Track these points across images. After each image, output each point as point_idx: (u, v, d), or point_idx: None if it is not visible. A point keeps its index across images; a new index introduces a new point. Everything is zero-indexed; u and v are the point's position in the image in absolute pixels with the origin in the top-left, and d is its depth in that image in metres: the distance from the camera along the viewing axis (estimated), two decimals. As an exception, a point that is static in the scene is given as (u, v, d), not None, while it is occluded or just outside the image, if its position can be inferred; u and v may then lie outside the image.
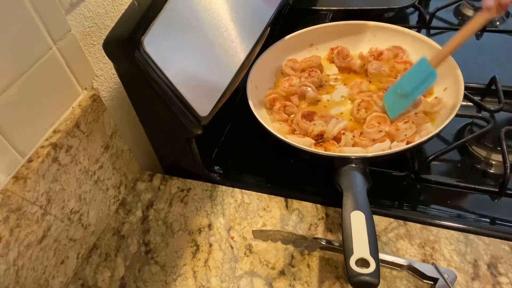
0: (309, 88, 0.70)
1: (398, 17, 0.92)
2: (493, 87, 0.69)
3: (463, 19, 0.90)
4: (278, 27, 0.83)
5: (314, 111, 0.66)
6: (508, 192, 0.57)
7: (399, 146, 0.58)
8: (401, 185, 0.62)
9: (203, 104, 0.55)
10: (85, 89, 0.56)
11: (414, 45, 0.72)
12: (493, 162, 0.62)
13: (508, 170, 0.56)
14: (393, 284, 0.50)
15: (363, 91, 0.69)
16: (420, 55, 0.72)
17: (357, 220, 0.47)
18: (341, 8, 0.88)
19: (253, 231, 0.56)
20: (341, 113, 0.68)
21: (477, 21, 0.56)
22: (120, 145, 0.62)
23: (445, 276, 0.48)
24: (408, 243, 0.53)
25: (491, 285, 0.48)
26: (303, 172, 0.65)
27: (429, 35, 0.86)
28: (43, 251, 0.50)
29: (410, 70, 0.63)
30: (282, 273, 0.53)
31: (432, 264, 0.50)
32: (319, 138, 0.62)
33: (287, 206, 0.60)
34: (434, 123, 0.63)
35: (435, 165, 0.63)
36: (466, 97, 0.65)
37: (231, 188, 0.63)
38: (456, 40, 0.59)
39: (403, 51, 0.73)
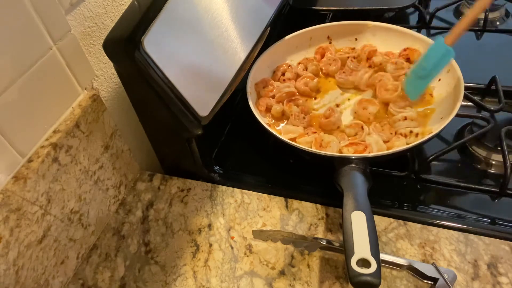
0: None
1: (398, 17, 0.92)
2: (493, 87, 0.69)
3: (463, 19, 0.90)
4: (278, 27, 0.83)
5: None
6: (508, 192, 0.57)
7: (399, 146, 0.58)
8: (401, 185, 0.62)
9: (203, 104, 0.55)
10: (85, 89, 0.56)
11: (414, 45, 0.72)
12: (493, 162, 0.62)
13: (508, 170, 0.56)
14: (393, 284, 0.50)
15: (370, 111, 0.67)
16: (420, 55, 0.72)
17: (358, 220, 0.47)
18: (341, 8, 0.88)
19: (253, 231, 0.56)
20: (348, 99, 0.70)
21: None
22: (120, 145, 0.62)
23: (445, 276, 0.48)
24: (408, 243, 0.53)
25: (491, 285, 0.48)
26: (303, 172, 0.65)
27: (429, 35, 0.86)
28: (43, 251, 0.50)
29: (427, 51, 0.62)
30: (282, 273, 0.53)
31: (432, 264, 0.50)
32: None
33: (287, 206, 0.60)
34: (428, 121, 0.63)
35: (435, 165, 0.63)
36: (466, 97, 0.65)
37: (231, 188, 0.63)
38: (468, 17, 0.57)
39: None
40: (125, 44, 0.47)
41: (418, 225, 0.55)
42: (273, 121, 0.69)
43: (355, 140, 0.61)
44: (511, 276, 0.49)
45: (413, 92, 0.63)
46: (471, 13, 0.57)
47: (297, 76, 0.74)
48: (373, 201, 0.50)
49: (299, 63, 0.77)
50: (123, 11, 0.50)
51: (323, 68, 0.75)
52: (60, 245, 0.52)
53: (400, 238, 0.54)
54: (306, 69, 0.75)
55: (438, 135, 0.61)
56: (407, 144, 0.59)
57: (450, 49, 0.59)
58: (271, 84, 0.72)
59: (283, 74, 0.75)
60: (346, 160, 0.56)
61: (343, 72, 0.72)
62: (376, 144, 0.59)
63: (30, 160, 0.48)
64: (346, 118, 0.67)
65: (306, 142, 0.62)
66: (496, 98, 0.67)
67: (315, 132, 0.64)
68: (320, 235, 0.56)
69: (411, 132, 0.60)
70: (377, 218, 0.56)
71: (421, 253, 0.52)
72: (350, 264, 0.43)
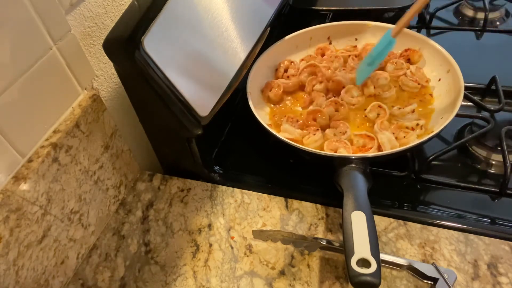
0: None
1: (398, 17, 0.91)
2: (493, 87, 0.69)
3: (463, 19, 0.90)
4: (278, 27, 0.83)
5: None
6: (508, 192, 0.57)
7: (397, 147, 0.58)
8: (401, 185, 0.62)
9: (203, 104, 0.55)
10: (85, 89, 0.56)
11: (415, 46, 0.72)
12: (493, 162, 0.62)
13: (508, 170, 0.56)
14: (393, 284, 0.50)
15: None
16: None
17: (358, 220, 0.47)
18: (341, 8, 0.88)
19: (253, 231, 0.56)
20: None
21: None
22: (120, 145, 0.62)
23: (445, 276, 0.48)
24: (408, 243, 0.53)
25: (491, 285, 0.48)
26: (303, 172, 0.65)
27: (429, 35, 0.86)
28: (43, 251, 0.50)
29: (378, 43, 0.67)
30: (282, 273, 0.53)
31: (432, 264, 0.50)
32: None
33: (287, 206, 0.60)
34: (429, 121, 0.63)
35: (435, 165, 0.63)
36: (466, 97, 0.65)
37: (231, 188, 0.63)
38: (412, 10, 0.63)
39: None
40: (125, 44, 0.47)
41: (418, 225, 0.55)
42: (273, 120, 0.69)
43: (368, 133, 0.61)
44: (511, 276, 0.49)
45: (359, 77, 0.68)
46: (413, 9, 0.63)
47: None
48: (373, 201, 0.50)
49: (302, 60, 0.77)
50: (123, 11, 0.50)
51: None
52: (60, 245, 0.52)
53: (400, 238, 0.54)
54: None
55: (438, 135, 0.61)
56: (418, 137, 0.59)
57: (393, 40, 0.64)
58: (274, 83, 0.72)
59: (285, 70, 0.75)
60: (346, 160, 0.56)
61: (343, 69, 0.72)
62: (389, 142, 0.59)
63: (30, 160, 0.48)
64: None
65: (314, 141, 0.62)
66: (496, 98, 0.67)
67: (318, 129, 0.64)
68: (320, 235, 0.56)
69: (417, 125, 0.60)
70: (377, 218, 0.56)
71: (421, 253, 0.52)
72: (350, 264, 0.43)
